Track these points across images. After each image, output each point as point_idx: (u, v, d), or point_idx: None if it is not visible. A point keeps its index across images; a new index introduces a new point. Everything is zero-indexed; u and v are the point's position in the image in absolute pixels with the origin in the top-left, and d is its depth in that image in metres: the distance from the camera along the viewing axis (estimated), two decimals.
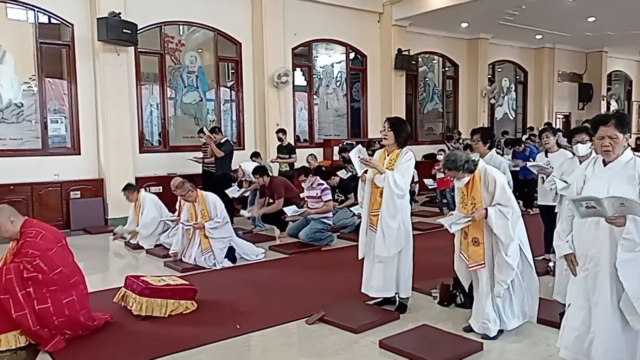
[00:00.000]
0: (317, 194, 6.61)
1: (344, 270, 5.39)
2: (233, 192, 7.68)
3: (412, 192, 6.48)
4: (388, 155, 4.20)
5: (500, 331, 3.66)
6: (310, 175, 6.71)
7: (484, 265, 3.61)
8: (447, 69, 13.56)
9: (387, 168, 4.11)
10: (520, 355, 3.45)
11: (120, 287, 4.39)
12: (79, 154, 8.31)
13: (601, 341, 2.71)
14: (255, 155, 8.63)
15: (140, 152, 8.78)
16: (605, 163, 2.83)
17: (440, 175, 8.72)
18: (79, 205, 8.08)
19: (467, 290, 4.03)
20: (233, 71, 9.97)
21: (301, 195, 6.98)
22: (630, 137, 8.44)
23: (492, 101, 14.15)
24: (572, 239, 2.88)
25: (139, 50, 8.67)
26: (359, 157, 4.16)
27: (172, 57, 9.23)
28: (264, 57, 9.59)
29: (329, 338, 3.76)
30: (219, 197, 6.06)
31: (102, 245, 7.21)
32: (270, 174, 7.48)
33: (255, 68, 9.77)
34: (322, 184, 6.66)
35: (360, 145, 4.47)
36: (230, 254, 5.89)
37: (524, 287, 3.70)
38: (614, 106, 17.45)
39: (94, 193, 8.24)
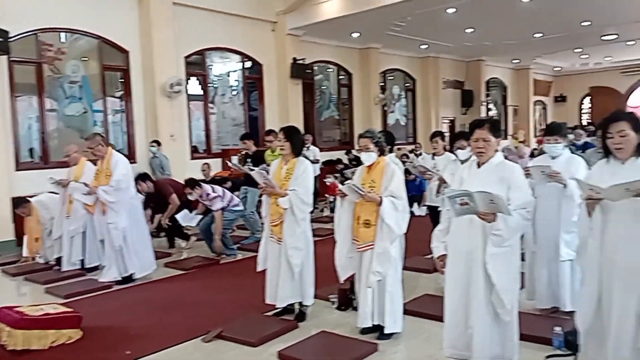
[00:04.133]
0: (209, 204, 6.43)
1: (243, 282, 5.31)
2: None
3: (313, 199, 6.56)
4: (285, 165, 4.21)
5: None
6: (197, 187, 6.43)
7: (373, 246, 3.66)
8: (341, 77, 13.94)
9: (285, 178, 4.13)
10: (414, 352, 3.59)
11: None
12: None
13: (478, 335, 2.90)
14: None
15: (17, 170, 8.04)
16: (479, 165, 3.05)
17: (329, 181, 8.88)
18: None
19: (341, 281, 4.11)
20: (122, 80, 9.48)
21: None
22: (506, 138, 9.17)
23: (385, 108, 14.77)
24: (449, 240, 3.06)
25: (11, 59, 7.95)
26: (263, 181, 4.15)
27: (51, 67, 8.57)
28: (154, 66, 9.23)
29: (227, 354, 3.67)
30: (127, 162, 5.74)
31: None
32: (151, 178, 7.24)
33: (145, 77, 9.36)
34: (210, 194, 6.39)
35: (261, 169, 4.41)
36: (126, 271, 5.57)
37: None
38: (492, 111, 18.97)
39: None
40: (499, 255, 2.85)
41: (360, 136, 3.88)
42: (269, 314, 4.32)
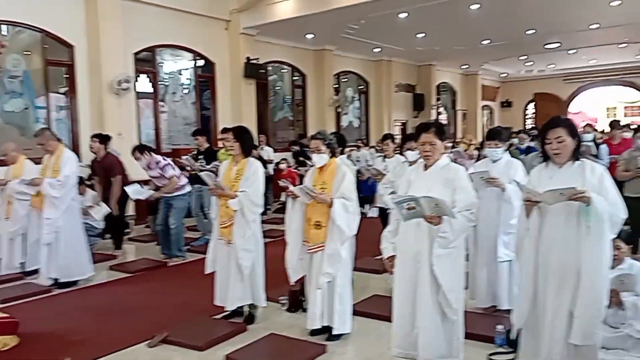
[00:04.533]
0: (158, 173, 6.18)
1: (191, 285, 5.20)
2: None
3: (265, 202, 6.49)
4: (235, 165, 4.16)
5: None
6: (146, 153, 6.16)
7: (324, 247, 3.67)
8: (295, 78, 13.93)
9: (235, 179, 4.08)
10: (363, 352, 3.61)
11: None
12: None
13: (425, 334, 2.96)
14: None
15: None
16: (425, 167, 3.11)
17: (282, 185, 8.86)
18: None
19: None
20: (67, 76, 9.11)
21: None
22: (455, 141, 9.42)
23: (338, 110, 14.87)
24: (398, 241, 3.11)
25: None
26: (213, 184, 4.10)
27: None
28: (101, 62, 8.92)
29: (173, 359, 3.59)
30: (77, 160, 5.56)
31: None
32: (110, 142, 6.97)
33: (92, 73, 9.03)
34: (160, 162, 6.15)
35: (213, 167, 4.35)
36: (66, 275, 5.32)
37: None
38: (443, 115, 19.45)
39: None
40: (445, 257, 2.92)
41: (312, 138, 3.89)
42: (218, 317, 4.26)
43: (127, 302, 4.94)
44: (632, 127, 10.69)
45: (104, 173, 6.67)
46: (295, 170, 10.18)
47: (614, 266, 3.26)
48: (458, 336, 3.06)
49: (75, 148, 9.05)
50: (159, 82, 10.56)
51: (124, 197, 6.63)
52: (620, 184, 5.13)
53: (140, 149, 6.26)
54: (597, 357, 2.66)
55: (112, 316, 4.51)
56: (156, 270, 6.06)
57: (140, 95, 10.06)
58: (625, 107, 21.35)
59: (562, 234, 2.62)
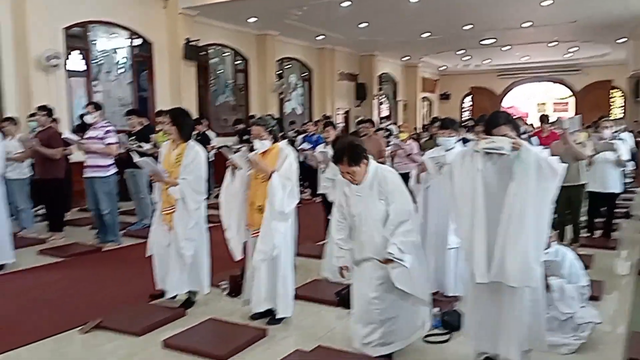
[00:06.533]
0: (99, 135, 5.89)
1: (127, 270, 5.05)
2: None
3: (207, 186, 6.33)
4: (175, 149, 4.03)
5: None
6: (100, 109, 5.98)
7: None
8: (238, 62, 13.68)
9: (175, 163, 3.96)
10: (303, 336, 3.62)
11: None
12: None
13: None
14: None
15: None
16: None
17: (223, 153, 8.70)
18: None
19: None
20: None
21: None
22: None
23: (281, 96, 14.77)
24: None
25: None
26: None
27: None
28: (27, 36, 8.36)
29: (107, 345, 3.46)
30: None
31: None
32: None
33: (17, 48, 8.44)
34: (107, 127, 5.95)
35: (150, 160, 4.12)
36: None
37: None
38: (384, 104, 19.78)
39: None
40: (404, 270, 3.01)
41: (253, 124, 3.81)
42: (155, 302, 4.14)
43: (57, 288, 4.71)
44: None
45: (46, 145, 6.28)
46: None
47: None
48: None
49: None
50: (92, 61, 10.04)
51: (67, 177, 6.26)
52: None
53: (97, 106, 6.04)
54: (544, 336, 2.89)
55: (41, 302, 4.29)
56: (90, 255, 5.81)
57: (71, 74, 9.51)
58: (554, 103, 22.61)
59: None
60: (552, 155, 2.81)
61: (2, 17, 8.33)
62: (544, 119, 8.28)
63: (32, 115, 7.31)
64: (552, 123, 7.99)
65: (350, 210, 3.13)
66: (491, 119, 2.92)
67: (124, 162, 6.51)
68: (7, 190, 5.60)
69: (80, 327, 3.66)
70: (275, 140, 3.78)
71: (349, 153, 3.00)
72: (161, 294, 4.12)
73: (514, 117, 3.16)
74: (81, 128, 6.89)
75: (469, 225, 2.81)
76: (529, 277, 2.69)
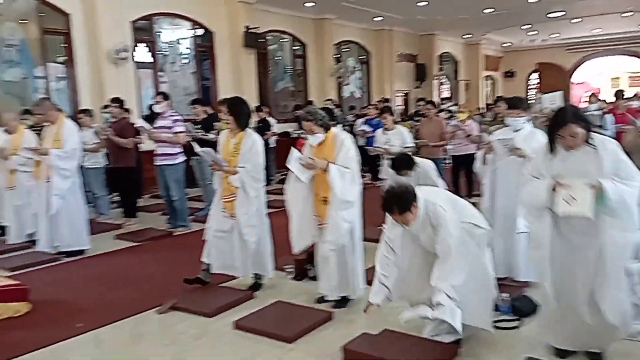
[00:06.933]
0: (167, 124, 6.14)
1: (197, 254, 5.21)
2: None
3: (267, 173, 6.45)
4: (233, 138, 4.12)
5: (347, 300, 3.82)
6: (168, 99, 6.29)
7: None
8: (296, 48, 13.74)
9: (233, 152, 4.06)
10: (368, 317, 3.59)
11: None
12: None
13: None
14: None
15: None
16: None
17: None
18: None
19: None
20: (64, 45, 8.98)
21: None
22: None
23: (340, 80, 14.72)
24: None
25: None
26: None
27: None
28: (98, 30, 8.78)
29: (181, 325, 3.64)
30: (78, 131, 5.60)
31: None
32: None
33: (90, 42, 8.90)
34: (175, 117, 6.20)
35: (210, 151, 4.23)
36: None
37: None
38: (445, 85, 19.27)
39: None
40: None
41: (303, 119, 3.78)
42: (225, 284, 4.30)
43: (134, 270, 4.99)
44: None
45: (119, 135, 6.66)
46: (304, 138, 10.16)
47: None
48: None
49: (76, 118, 9.00)
50: (158, 52, 10.42)
51: (138, 165, 6.58)
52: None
53: (165, 96, 6.33)
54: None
55: (120, 284, 4.56)
56: (162, 239, 6.11)
57: (139, 65, 9.93)
58: (630, 77, 21.18)
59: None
60: (624, 149, 2.66)
61: (74, 11, 8.79)
62: (618, 94, 7.79)
63: (106, 107, 7.72)
64: (628, 99, 7.52)
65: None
66: (557, 117, 2.73)
67: (190, 149, 6.73)
68: (84, 179, 5.99)
69: (157, 308, 3.87)
70: (327, 128, 3.74)
71: (399, 203, 2.88)
72: (196, 278, 4.23)
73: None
74: (150, 118, 7.20)
75: None
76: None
